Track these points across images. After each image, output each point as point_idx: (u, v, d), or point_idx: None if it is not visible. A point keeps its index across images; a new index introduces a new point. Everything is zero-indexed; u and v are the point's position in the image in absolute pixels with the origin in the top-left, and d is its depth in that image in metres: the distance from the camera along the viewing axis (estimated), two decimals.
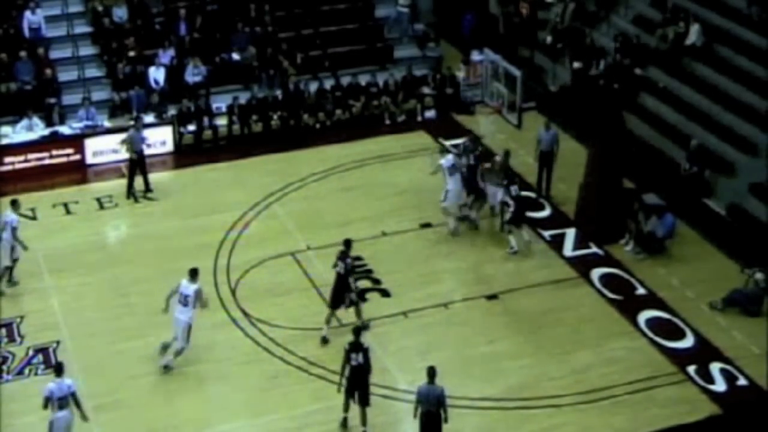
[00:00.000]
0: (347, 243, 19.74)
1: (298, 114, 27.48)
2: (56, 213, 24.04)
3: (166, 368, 18.82)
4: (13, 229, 20.74)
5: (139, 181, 24.58)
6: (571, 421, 17.76)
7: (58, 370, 16.41)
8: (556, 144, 24.40)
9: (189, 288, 18.51)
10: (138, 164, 24.61)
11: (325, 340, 19.49)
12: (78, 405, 16.28)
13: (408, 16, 31.13)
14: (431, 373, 16.40)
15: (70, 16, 29.11)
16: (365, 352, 17.02)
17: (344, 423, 17.46)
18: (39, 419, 17.63)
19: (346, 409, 17.38)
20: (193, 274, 18.57)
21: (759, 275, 20.43)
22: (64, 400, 16.09)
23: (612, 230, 22.68)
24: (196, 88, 27.71)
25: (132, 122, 25.59)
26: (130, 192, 24.54)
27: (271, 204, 24.18)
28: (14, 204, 21.22)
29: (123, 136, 24.83)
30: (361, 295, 20.88)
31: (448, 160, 22.70)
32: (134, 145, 24.53)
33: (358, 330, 17.39)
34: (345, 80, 28.61)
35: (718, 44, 26.54)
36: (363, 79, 28.59)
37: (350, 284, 19.56)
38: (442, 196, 22.50)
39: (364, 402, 17.13)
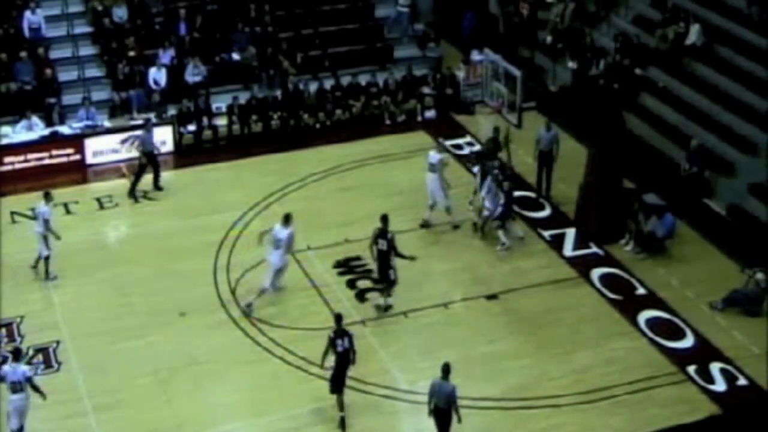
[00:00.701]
0: (385, 219, 20.17)
1: (298, 114, 27.48)
2: (56, 213, 23.92)
3: (248, 307, 20.19)
4: (45, 221, 20.95)
5: (145, 181, 24.57)
6: (571, 421, 17.77)
7: (16, 355, 16.95)
8: (556, 144, 24.40)
9: (282, 232, 19.88)
10: (150, 164, 24.72)
11: (379, 308, 20.41)
12: (36, 389, 16.81)
13: (408, 16, 31.14)
14: (446, 369, 16.45)
15: (70, 16, 29.10)
16: (350, 338, 17.34)
17: (342, 423, 17.56)
18: (39, 419, 17.70)
19: (342, 408, 17.53)
20: (287, 219, 19.98)
21: (760, 275, 20.43)
22: (17, 385, 16.56)
23: (612, 230, 22.68)
24: (196, 88, 27.71)
25: (141, 123, 25.59)
26: (133, 192, 24.57)
27: (271, 204, 24.17)
28: (47, 196, 21.41)
29: (128, 136, 25.01)
30: (361, 294, 20.91)
31: (432, 156, 22.68)
32: (145, 146, 24.62)
33: (340, 317, 17.71)
34: (345, 80, 28.61)
35: (718, 44, 26.55)
36: (363, 79, 28.59)
37: (391, 261, 20.06)
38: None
39: (338, 390, 17.46)
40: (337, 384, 17.46)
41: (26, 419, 16.90)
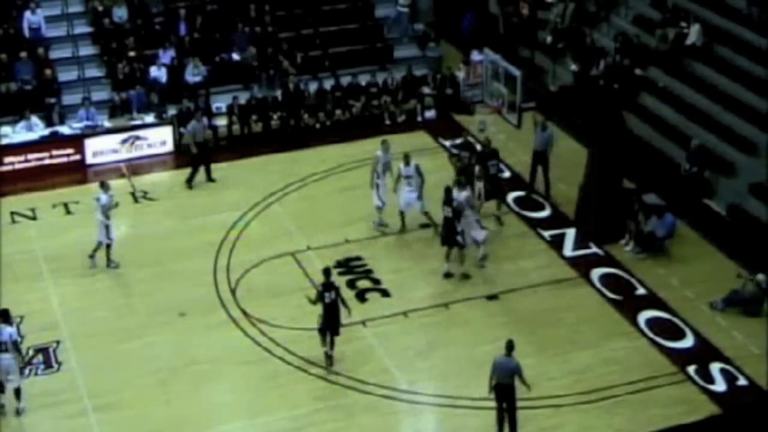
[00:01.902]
0: (449, 190, 21.23)
1: (298, 114, 27.46)
2: (56, 213, 24.05)
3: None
4: (105, 210, 21.27)
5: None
6: (571, 421, 17.77)
7: (4, 316, 17.55)
8: (550, 145, 24.34)
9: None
10: (202, 154, 24.92)
11: (447, 275, 21.32)
12: (18, 352, 17.64)
13: (408, 16, 31.14)
14: (509, 345, 16.94)
15: (70, 16, 29.11)
16: (337, 290, 18.62)
17: (329, 358, 18.80)
18: (39, 419, 17.73)
19: (324, 343, 18.76)
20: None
21: (761, 276, 20.40)
22: (3, 345, 17.30)
23: (612, 230, 22.67)
24: (196, 88, 27.71)
25: (192, 111, 26.01)
26: (190, 182, 24.95)
27: (271, 204, 24.17)
28: (103, 185, 21.67)
29: (185, 129, 25.33)
30: (361, 295, 20.91)
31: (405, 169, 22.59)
32: (197, 135, 24.81)
33: (328, 271, 18.79)
34: (345, 80, 28.61)
35: (718, 44, 26.54)
36: (363, 79, 28.58)
37: (456, 227, 21.02)
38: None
39: (335, 333, 18.74)
40: (323, 329, 18.69)
41: (18, 380, 17.64)
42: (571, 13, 29.55)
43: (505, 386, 17.03)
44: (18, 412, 17.79)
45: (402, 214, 22.82)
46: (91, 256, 21.66)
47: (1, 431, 17.41)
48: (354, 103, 28.20)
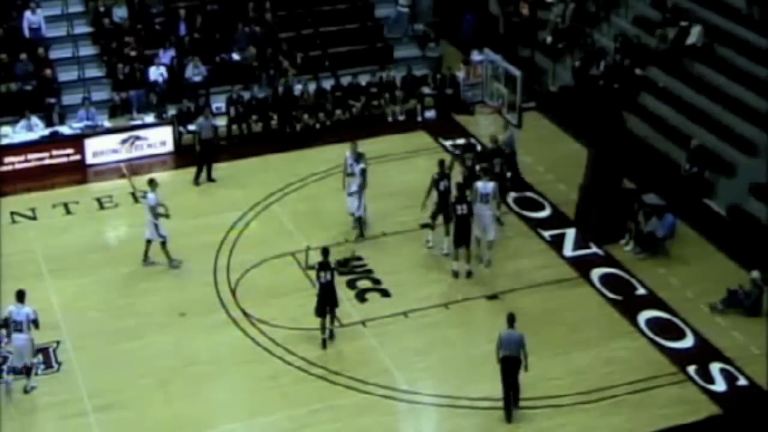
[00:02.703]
0: (461, 187, 21.40)
1: (287, 115, 27.36)
2: (56, 213, 24.05)
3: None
4: (152, 208, 21.36)
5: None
6: (571, 421, 17.76)
7: (20, 296, 17.96)
8: (513, 145, 24.55)
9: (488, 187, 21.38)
10: (206, 152, 25.02)
11: (456, 274, 21.44)
12: (37, 327, 18.08)
13: (408, 16, 31.14)
14: (511, 319, 17.55)
15: (70, 16, 29.12)
16: (332, 272, 19.21)
17: (324, 344, 19.32)
18: (39, 419, 17.73)
19: (323, 331, 19.31)
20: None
21: (755, 273, 20.41)
22: (20, 325, 17.79)
23: (612, 230, 22.67)
24: (196, 88, 27.71)
25: (201, 108, 26.14)
26: (197, 180, 25.09)
27: (271, 204, 24.17)
28: (152, 183, 21.78)
29: (195, 124, 25.43)
30: (361, 295, 20.91)
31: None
32: (203, 132, 24.93)
33: (327, 251, 19.40)
34: (345, 80, 28.61)
35: (718, 44, 26.53)
36: (363, 79, 28.58)
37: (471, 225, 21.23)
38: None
39: (334, 306, 19.44)
40: (319, 310, 19.27)
41: (31, 359, 18.09)
42: (571, 13, 29.55)
43: (511, 359, 17.49)
44: (26, 390, 18.13)
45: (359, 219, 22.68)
46: (145, 259, 21.76)
47: (2, 431, 17.40)
48: (354, 103, 28.19)
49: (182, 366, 18.96)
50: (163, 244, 21.70)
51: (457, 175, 22.97)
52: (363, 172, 22.34)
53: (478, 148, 25.54)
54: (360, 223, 22.68)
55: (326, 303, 19.29)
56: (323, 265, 19.21)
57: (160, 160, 26.31)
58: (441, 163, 22.49)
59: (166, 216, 21.63)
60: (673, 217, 22.40)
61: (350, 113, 28.26)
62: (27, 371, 18.18)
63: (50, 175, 25.42)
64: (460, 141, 26.25)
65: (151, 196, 21.57)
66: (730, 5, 27.20)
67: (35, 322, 18.02)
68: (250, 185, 24.93)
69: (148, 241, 21.73)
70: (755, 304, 20.37)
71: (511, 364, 17.51)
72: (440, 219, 22.14)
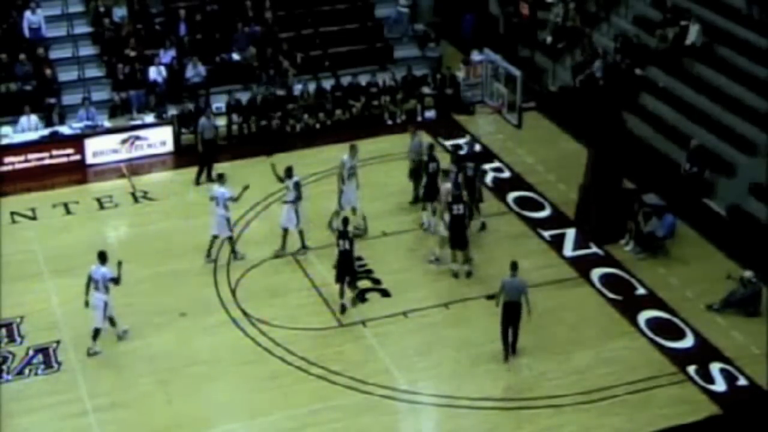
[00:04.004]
0: (457, 185, 21.64)
1: (289, 115, 27.34)
2: (56, 213, 24.04)
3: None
4: (225, 202, 21.46)
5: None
6: (571, 421, 17.77)
7: (101, 257, 19.03)
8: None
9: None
10: (208, 152, 25.05)
11: (456, 275, 21.58)
12: (117, 283, 19.03)
13: (408, 16, 31.15)
14: (514, 266, 18.65)
15: (70, 16, 29.12)
16: (351, 240, 20.09)
17: (343, 309, 20.22)
18: (39, 419, 17.72)
19: (342, 295, 20.24)
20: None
21: (747, 273, 20.40)
22: (98, 283, 18.84)
23: (612, 230, 22.67)
24: (196, 89, 27.70)
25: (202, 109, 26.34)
26: (198, 180, 25.08)
27: (271, 204, 24.16)
28: (221, 178, 21.91)
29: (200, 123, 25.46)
30: (362, 295, 20.91)
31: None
32: (204, 133, 24.97)
33: (346, 220, 20.56)
34: (345, 80, 28.60)
35: (718, 44, 26.53)
36: (363, 79, 28.58)
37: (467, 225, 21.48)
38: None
39: (354, 279, 20.43)
40: (338, 276, 20.20)
41: (104, 315, 19.09)
42: (573, 13, 29.52)
43: (513, 304, 18.49)
44: (89, 353, 19.10)
45: (285, 231, 22.34)
46: (208, 255, 21.87)
47: (2, 431, 17.41)
48: (354, 103, 28.19)
49: (182, 366, 18.97)
50: (231, 238, 21.85)
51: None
52: (297, 185, 21.98)
53: (477, 148, 25.53)
54: (301, 235, 22.28)
55: (345, 270, 20.15)
56: (342, 234, 20.14)
57: (160, 160, 26.30)
58: (430, 146, 23.38)
59: (235, 200, 21.70)
60: (673, 217, 22.40)
61: (350, 113, 28.23)
62: (95, 333, 19.13)
63: (50, 175, 25.41)
64: (461, 141, 26.26)
65: (222, 190, 21.50)
66: (730, 5, 27.19)
67: (114, 280, 18.92)
68: (250, 185, 24.86)
69: (215, 237, 21.75)
70: (753, 304, 20.36)
71: (512, 309, 18.53)
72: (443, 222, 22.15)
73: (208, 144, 25.19)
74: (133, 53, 27.96)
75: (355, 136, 26.89)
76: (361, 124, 27.94)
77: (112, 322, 19.34)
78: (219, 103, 27.58)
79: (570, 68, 28.63)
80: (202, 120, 25.24)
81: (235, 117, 27.23)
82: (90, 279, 19.01)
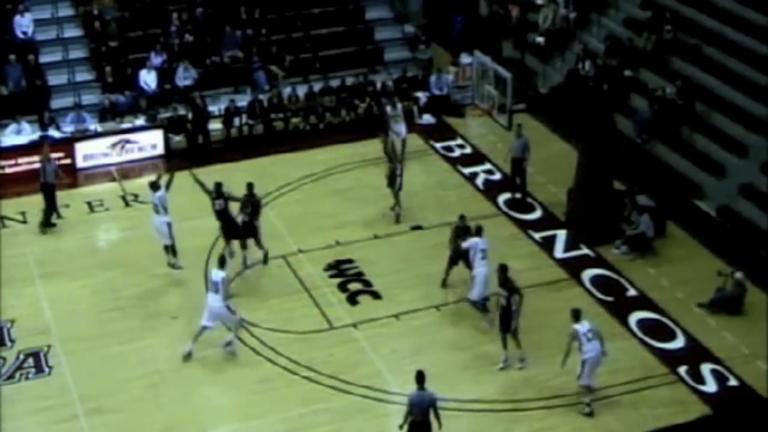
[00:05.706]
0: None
1: (279, 118, 27.38)
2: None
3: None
4: (164, 204, 21.40)
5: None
6: (563, 423, 17.79)
7: (221, 262, 19.21)
8: (527, 150, 24.26)
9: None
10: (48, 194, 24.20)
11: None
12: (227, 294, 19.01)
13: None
14: (420, 378, 16.23)
15: (60, 19, 29.07)
16: (226, 200, 21.14)
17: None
18: (30, 423, 17.69)
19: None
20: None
21: (738, 274, 20.46)
22: (215, 286, 18.85)
23: (603, 232, 22.70)
24: (186, 92, 27.69)
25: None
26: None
27: (268, 204, 24.12)
28: (250, 187, 21.83)
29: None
30: (353, 297, 20.91)
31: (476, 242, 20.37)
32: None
33: (251, 189, 21.41)
34: (335, 83, 28.61)
35: (707, 45, 26.58)
36: (350, 82, 28.58)
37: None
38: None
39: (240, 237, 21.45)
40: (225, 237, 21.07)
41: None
42: (563, 15, 29.56)
43: (421, 424, 16.22)
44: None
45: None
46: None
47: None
48: (358, 104, 28.10)
49: (174, 369, 18.94)
50: (167, 247, 21.64)
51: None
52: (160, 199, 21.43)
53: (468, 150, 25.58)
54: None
55: (229, 233, 21.21)
56: (218, 194, 21.20)
57: (150, 164, 26.26)
58: None
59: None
60: (649, 218, 22.35)
61: (352, 114, 28.19)
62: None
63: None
64: (452, 143, 26.32)
65: (159, 194, 21.27)
66: (720, 7, 27.24)
67: (223, 282, 18.80)
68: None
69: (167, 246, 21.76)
70: (737, 303, 20.42)
71: (420, 429, 16.22)
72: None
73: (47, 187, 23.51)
74: (123, 57, 27.91)
75: (351, 139, 26.99)
76: (357, 126, 27.80)
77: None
78: (212, 107, 27.55)
79: (560, 70, 28.66)
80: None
81: (236, 120, 27.29)
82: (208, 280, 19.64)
